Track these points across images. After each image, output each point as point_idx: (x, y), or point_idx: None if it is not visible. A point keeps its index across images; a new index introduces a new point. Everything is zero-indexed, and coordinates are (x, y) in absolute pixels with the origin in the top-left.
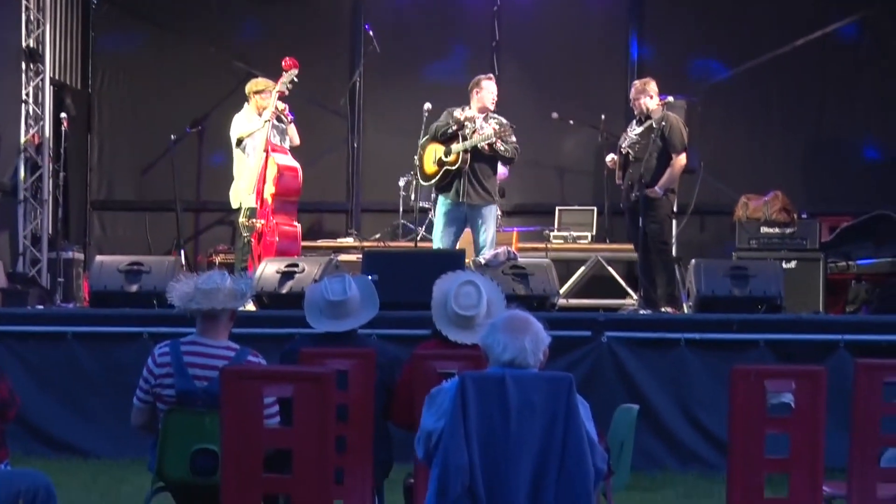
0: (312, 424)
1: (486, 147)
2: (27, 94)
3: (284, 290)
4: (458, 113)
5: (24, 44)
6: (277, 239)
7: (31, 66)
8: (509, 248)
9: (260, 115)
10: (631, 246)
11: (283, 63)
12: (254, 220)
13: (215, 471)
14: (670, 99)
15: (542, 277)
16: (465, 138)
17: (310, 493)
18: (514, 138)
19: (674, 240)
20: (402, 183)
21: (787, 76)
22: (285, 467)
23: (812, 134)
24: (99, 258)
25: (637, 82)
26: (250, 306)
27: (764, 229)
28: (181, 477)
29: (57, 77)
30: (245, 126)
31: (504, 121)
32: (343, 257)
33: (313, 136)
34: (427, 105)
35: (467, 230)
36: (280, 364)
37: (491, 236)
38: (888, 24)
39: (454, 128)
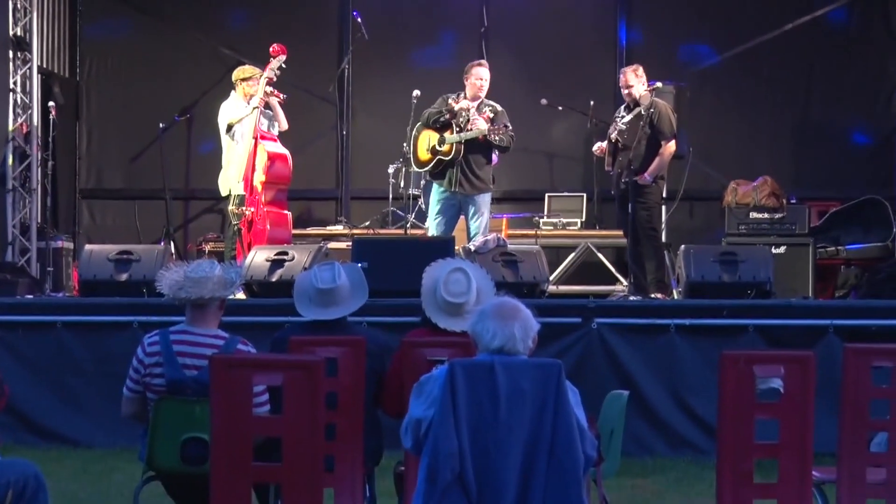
0: (302, 412)
1: (481, 136)
2: (15, 83)
3: (274, 279)
4: (453, 101)
5: (11, 32)
6: (268, 227)
7: (19, 54)
8: (499, 235)
9: (247, 102)
10: (620, 232)
11: (271, 49)
12: (243, 208)
13: (205, 459)
14: (659, 84)
15: (531, 264)
16: (459, 128)
17: (300, 482)
18: (509, 125)
19: (663, 226)
20: (391, 170)
21: (776, 61)
22: (275, 455)
23: (801, 119)
24: (88, 247)
25: (625, 69)
26: (240, 294)
27: (753, 215)
28: (171, 466)
29: (44, 65)
30: (233, 113)
31: (498, 107)
32: (333, 245)
33: (302, 123)
34: (416, 92)
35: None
36: (270, 352)
37: (484, 224)
38: (876, 8)
39: (447, 116)
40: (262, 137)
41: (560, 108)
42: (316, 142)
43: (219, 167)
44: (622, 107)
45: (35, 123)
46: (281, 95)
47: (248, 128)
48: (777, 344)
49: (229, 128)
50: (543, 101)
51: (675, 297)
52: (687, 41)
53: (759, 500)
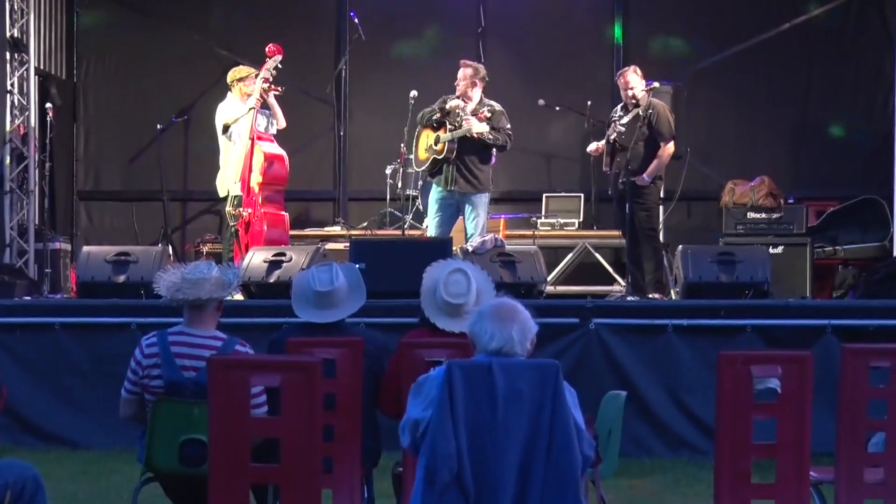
0: (300, 414)
1: (475, 136)
2: (12, 85)
3: (272, 280)
4: (447, 100)
5: (8, 34)
6: (265, 228)
7: (16, 55)
8: (496, 236)
9: (244, 102)
10: (618, 232)
11: (267, 49)
12: (240, 209)
13: (204, 461)
14: (656, 84)
15: (529, 265)
16: (453, 127)
17: (298, 483)
18: (508, 125)
19: (661, 226)
20: (388, 171)
21: (773, 60)
22: (273, 457)
23: (798, 119)
24: (86, 248)
25: (625, 69)
26: (238, 296)
27: (751, 215)
28: (170, 467)
29: (42, 67)
30: (230, 113)
31: (497, 107)
32: (330, 246)
33: (299, 123)
34: (413, 92)
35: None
36: (268, 353)
37: (480, 225)
38: (873, 7)
39: (438, 115)
40: (259, 138)
41: (557, 108)
42: (313, 143)
43: (216, 168)
44: (619, 107)
45: (32, 125)
46: (279, 88)
47: (244, 129)
48: (775, 344)
49: (226, 128)
50: (541, 102)
51: (673, 297)
52: (684, 41)
53: (757, 500)
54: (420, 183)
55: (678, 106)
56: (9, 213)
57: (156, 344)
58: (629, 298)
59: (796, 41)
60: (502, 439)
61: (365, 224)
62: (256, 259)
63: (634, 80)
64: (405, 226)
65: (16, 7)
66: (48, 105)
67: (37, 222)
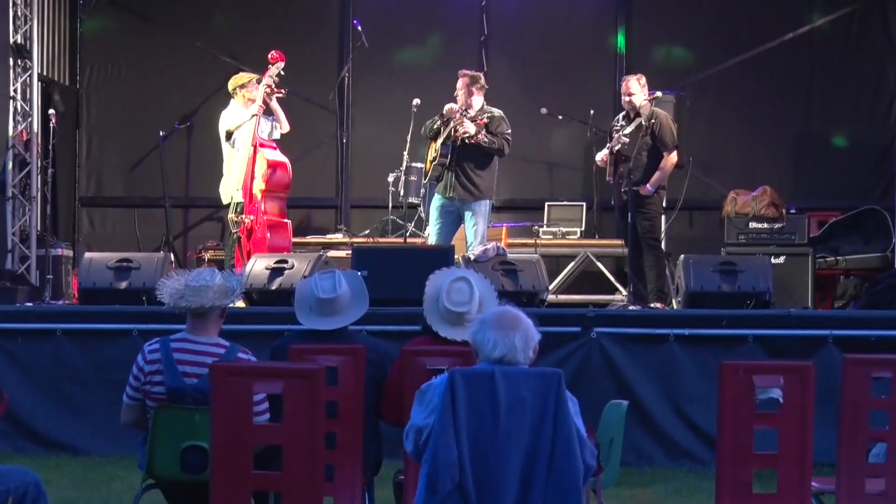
0: (302, 421)
1: (472, 141)
2: (15, 91)
3: (273, 287)
4: (446, 109)
5: (11, 40)
6: (268, 235)
7: (19, 62)
8: (498, 244)
9: (247, 108)
10: (620, 241)
11: (270, 56)
12: (242, 216)
13: (205, 468)
14: (659, 94)
15: (531, 273)
16: (451, 131)
17: (299, 490)
18: (508, 130)
19: (662, 235)
20: (391, 179)
21: (776, 71)
22: (275, 464)
23: (800, 129)
24: (88, 255)
25: (629, 76)
26: (239, 303)
27: (752, 224)
28: (171, 474)
29: (45, 73)
30: (232, 120)
31: (496, 112)
32: (332, 253)
33: (302, 131)
34: (416, 100)
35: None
36: (270, 360)
37: (480, 232)
38: (876, 18)
39: (438, 122)
40: (262, 145)
41: (560, 117)
42: (316, 150)
43: (218, 175)
44: (621, 115)
45: (35, 131)
46: (283, 91)
47: (247, 135)
48: (776, 354)
49: (229, 135)
50: (543, 110)
51: (675, 306)
52: (686, 50)
53: None
54: (422, 191)
55: (681, 115)
56: (11, 218)
57: (158, 350)
58: (631, 307)
59: (799, 51)
60: (504, 448)
61: (367, 231)
62: (258, 266)
63: (635, 88)
64: (407, 233)
65: (19, 13)
66: (51, 111)
67: (39, 228)
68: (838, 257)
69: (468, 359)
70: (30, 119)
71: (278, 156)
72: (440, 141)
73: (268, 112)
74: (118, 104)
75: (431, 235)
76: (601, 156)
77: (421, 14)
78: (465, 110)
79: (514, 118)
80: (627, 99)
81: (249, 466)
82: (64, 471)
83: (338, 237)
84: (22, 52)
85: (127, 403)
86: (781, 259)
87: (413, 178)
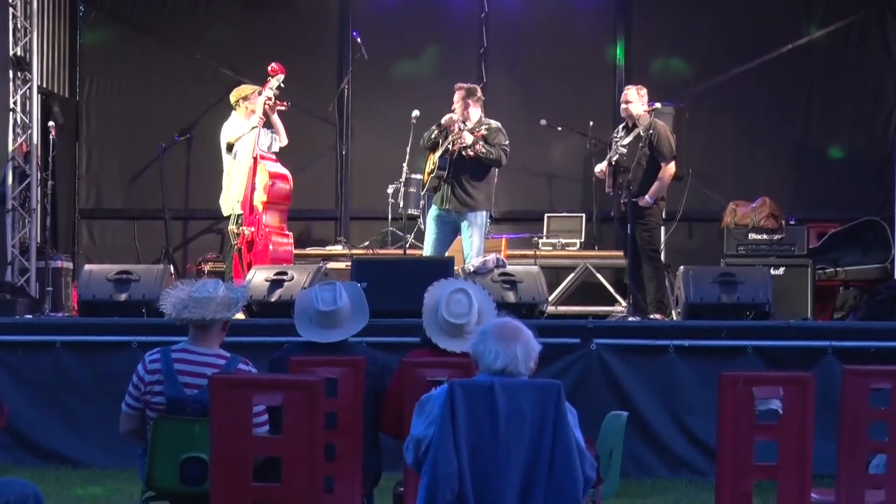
0: (302, 432)
1: (470, 153)
2: (14, 103)
3: (273, 299)
4: (445, 119)
5: (11, 52)
6: (270, 247)
7: (19, 74)
8: (498, 256)
9: (249, 120)
10: (619, 253)
11: (269, 69)
12: (242, 228)
13: (205, 479)
14: (658, 105)
15: (531, 285)
16: (449, 143)
17: (299, 502)
18: (505, 141)
19: (662, 247)
20: (390, 190)
21: (774, 82)
22: (274, 476)
23: (799, 140)
24: (88, 267)
25: (629, 87)
26: (239, 315)
27: (752, 236)
28: (171, 486)
29: (44, 85)
30: (233, 132)
31: (493, 124)
32: (332, 265)
33: (301, 143)
34: (415, 112)
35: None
36: (269, 372)
37: (476, 244)
38: (874, 30)
39: (435, 133)
40: (262, 158)
41: (559, 128)
42: (315, 162)
43: (218, 187)
44: (620, 126)
45: (35, 143)
46: (284, 103)
47: (248, 147)
48: (776, 365)
49: (230, 147)
50: (542, 122)
51: (674, 318)
52: (685, 62)
53: None
54: (422, 202)
55: (680, 127)
56: (11, 230)
57: (159, 360)
58: (630, 319)
59: (798, 62)
60: (504, 459)
61: (367, 243)
62: (258, 278)
63: (633, 97)
64: (407, 245)
65: (19, 25)
66: (51, 123)
67: (38, 240)
68: (838, 268)
69: (467, 370)
70: (29, 131)
71: (279, 167)
72: (438, 153)
73: (268, 125)
74: (118, 116)
75: (427, 246)
76: (600, 168)
77: (421, 26)
78: (463, 122)
79: (513, 130)
80: (625, 107)
81: (249, 478)
82: (64, 483)
83: (337, 249)
84: (22, 64)
85: (126, 412)
86: (781, 270)
87: (412, 189)
